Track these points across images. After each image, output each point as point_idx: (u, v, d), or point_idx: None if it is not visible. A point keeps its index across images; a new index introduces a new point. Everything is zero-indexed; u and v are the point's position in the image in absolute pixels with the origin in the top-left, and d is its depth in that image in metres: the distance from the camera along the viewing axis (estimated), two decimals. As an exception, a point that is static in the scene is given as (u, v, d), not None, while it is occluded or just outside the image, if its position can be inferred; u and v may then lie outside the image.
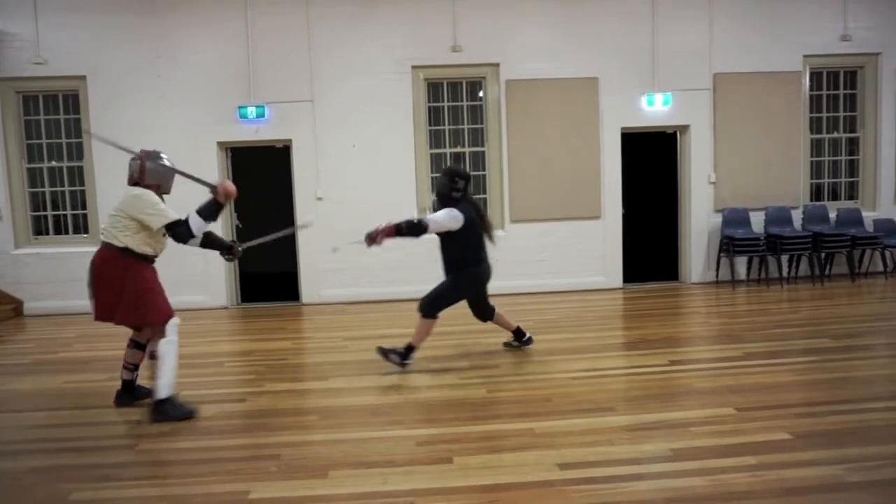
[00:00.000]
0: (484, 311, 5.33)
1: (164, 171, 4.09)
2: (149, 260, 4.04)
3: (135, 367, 4.35)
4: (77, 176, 8.18)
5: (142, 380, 4.37)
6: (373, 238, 4.73)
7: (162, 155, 4.13)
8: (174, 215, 3.95)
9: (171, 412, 3.91)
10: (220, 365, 5.46)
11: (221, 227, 7.98)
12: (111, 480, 3.20)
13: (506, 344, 5.58)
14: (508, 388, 4.43)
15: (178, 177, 4.23)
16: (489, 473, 3.09)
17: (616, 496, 2.82)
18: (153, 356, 3.96)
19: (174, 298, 6.05)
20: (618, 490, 2.87)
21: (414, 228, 4.73)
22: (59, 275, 7.99)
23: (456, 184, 4.94)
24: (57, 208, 8.26)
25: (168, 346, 3.94)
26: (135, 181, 4.00)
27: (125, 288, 3.88)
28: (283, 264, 8.51)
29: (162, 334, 3.94)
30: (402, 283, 8.01)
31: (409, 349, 4.98)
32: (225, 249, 4.35)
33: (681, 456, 3.21)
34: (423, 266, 8.18)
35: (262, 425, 3.92)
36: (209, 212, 4.05)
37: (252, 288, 8.63)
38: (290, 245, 8.25)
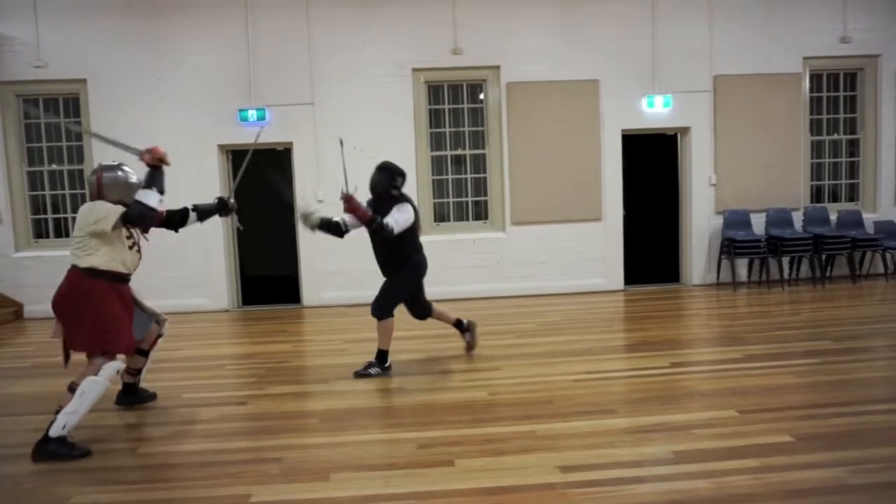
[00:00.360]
0: (422, 308, 5.25)
1: (123, 181, 3.77)
2: (121, 279, 3.77)
3: (137, 372, 4.31)
4: (77, 179, 8.18)
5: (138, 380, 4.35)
6: (353, 206, 4.63)
7: (123, 166, 3.83)
8: (121, 209, 3.64)
9: (59, 452, 3.47)
10: (220, 368, 5.45)
11: (223, 231, 7.99)
12: (112, 484, 3.19)
13: (468, 347, 5.46)
14: (510, 391, 4.43)
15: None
16: (491, 476, 3.08)
17: (618, 499, 2.82)
18: (72, 388, 3.54)
19: (175, 301, 6.09)
20: (620, 493, 2.87)
21: (381, 230, 4.65)
22: (59, 278, 7.81)
23: (395, 181, 4.91)
24: (57, 211, 8.27)
25: (93, 387, 3.56)
26: (95, 197, 3.74)
27: (86, 311, 3.59)
28: (284, 267, 8.51)
29: (94, 371, 3.58)
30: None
31: (381, 354, 4.96)
32: (220, 210, 4.40)
33: (683, 458, 3.20)
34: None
35: (263, 428, 3.91)
36: (204, 212, 4.20)
37: (253, 291, 8.62)
38: (290, 248, 8.26)
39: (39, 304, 7.97)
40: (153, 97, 7.96)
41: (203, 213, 4.33)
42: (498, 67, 8.20)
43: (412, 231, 4.93)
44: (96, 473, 3.32)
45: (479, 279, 8.27)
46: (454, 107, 8.39)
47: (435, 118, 8.37)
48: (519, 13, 8.15)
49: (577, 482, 2.98)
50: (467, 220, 8.53)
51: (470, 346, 5.48)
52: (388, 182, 4.88)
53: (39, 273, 7.99)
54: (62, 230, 8.26)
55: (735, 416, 3.77)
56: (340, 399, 4.42)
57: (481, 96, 8.40)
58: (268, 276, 9.00)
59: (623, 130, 8.35)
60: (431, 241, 8.25)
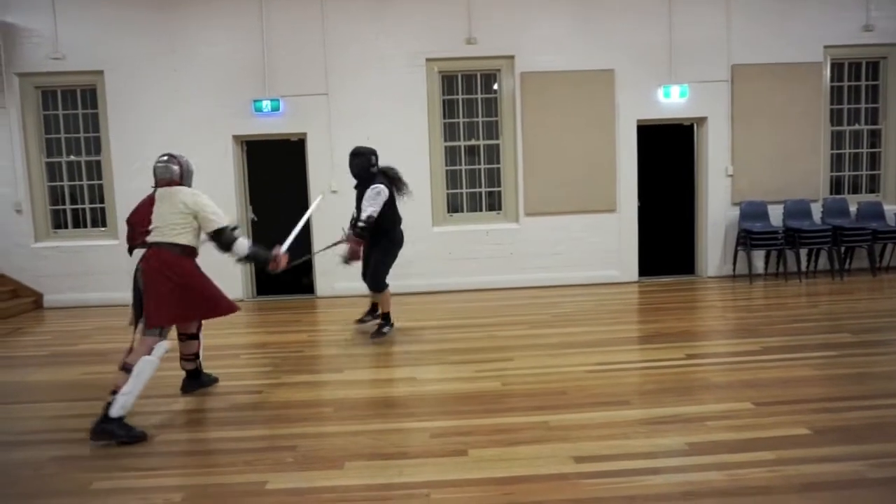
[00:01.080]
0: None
1: (193, 170, 4.17)
2: (195, 256, 4.08)
3: (195, 357, 4.43)
4: (95, 170, 8.27)
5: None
6: (354, 257, 5.43)
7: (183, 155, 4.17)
8: (228, 219, 4.05)
9: (117, 432, 3.56)
10: (236, 357, 5.50)
11: (237, 221, 8.03)
12: (130, 470, 3.24)
13: (358, 321, 6.17)
14: (523, 381, 4.42)
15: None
16: (504, 466, 3.09)
17: (632, 490, 2.81)
18: (126, 368, 3.66)
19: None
20: (633, 484, 2.86)
21: (370, 227, 5.36)
22: (77, 268, 8.10)
23: (371, 161, 5.60)
24: (75, 202, 8.36)
25: (147, 366, 3.70)
26: (176, 182, 3.99)
27: (191, 286, 3.87)
28: (298, 257, 8.53)
29: (147, 350, 3.73)
30: (415, 277, 8.02)
31: (385, 316, 5.83)
32: (267, 262, 4.30)
33: (697, 450, 3.19)
34: (435, 259, 8.21)
35: (278, 417, 3.94)
36: (254, 258, 4.23)
37: (267, 281, 8.67)
38: (304, 239, 8.28)
39: (58, 293, 8.13)
40: (169, 88, 8.01)
41: (254, 257, 4.26)
42: (512, 57, 8.15)
43: (391, 207, 5.57)
44: (115, 460, 3.37)
45: (492, 270, 8.26)
46: (468, 97, 8.35)
47: (449, 108, 8.34)
48: (533, 3, 8.08)
49: (590, 473, 2.98)
50: (481, 210, 8.51)
51: (361, 321, 6.15)
52: (365, 163, 5.59)
53: (58, 263, 8.11)
54: (80, 221, 8.35)
55: (751, 408, 3.74)
56: (354, 388, 4.44)
57: (495, 86, 8.35)
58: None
59: (639, 121, 8.27)
60: (445, 232, 8.30)
